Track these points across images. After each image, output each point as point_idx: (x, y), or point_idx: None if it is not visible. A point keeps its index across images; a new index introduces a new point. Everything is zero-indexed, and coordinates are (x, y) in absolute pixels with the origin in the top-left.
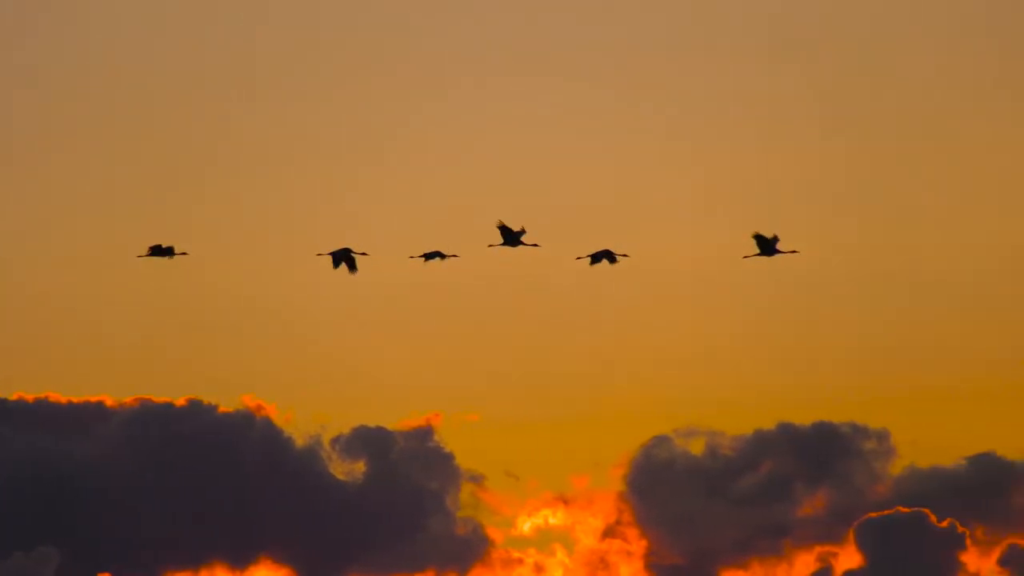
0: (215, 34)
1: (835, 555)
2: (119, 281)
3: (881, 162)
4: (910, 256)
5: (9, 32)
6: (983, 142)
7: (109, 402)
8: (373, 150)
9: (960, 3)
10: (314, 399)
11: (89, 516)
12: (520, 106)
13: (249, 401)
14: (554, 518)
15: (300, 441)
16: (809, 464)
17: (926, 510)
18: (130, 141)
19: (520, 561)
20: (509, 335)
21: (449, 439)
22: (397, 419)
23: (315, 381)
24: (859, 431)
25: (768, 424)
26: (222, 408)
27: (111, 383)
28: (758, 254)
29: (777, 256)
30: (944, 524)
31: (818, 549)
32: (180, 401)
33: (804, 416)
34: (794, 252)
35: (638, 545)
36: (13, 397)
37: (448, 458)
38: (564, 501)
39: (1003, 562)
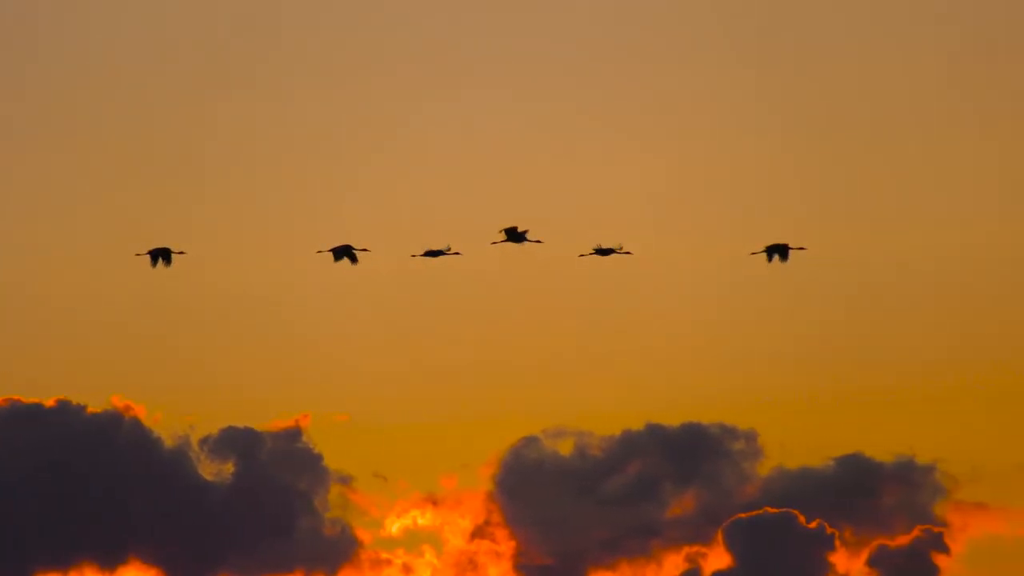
0: (215, 31)
1: (704, 556)
2: None
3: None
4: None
5: (9, 31)
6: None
7: None
8: (365, 148)
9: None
10: (183, 400)
11: None
12: (522, 105)
13: (118, 402)
14: (423, 519)
15: (169, 442)
16: (677, 465)
17: (794, 511)
18: (128, 139)
19: (389, 562)
20: (377, 336)
21: (318, 440)
22: (266, 420)
23: (184, 382)
24: (727, 432)
25: (636, 425)
26: (91, 408)
27: None
28: (766, 250)
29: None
30: (812, 525)
31: (687, 550)
32: (49, 401)
33: (672, 417)
34: (802, 249)
35: (507, 546)
36: None
37: (317, 459)
38: (433, 502)
39: (871, 563)
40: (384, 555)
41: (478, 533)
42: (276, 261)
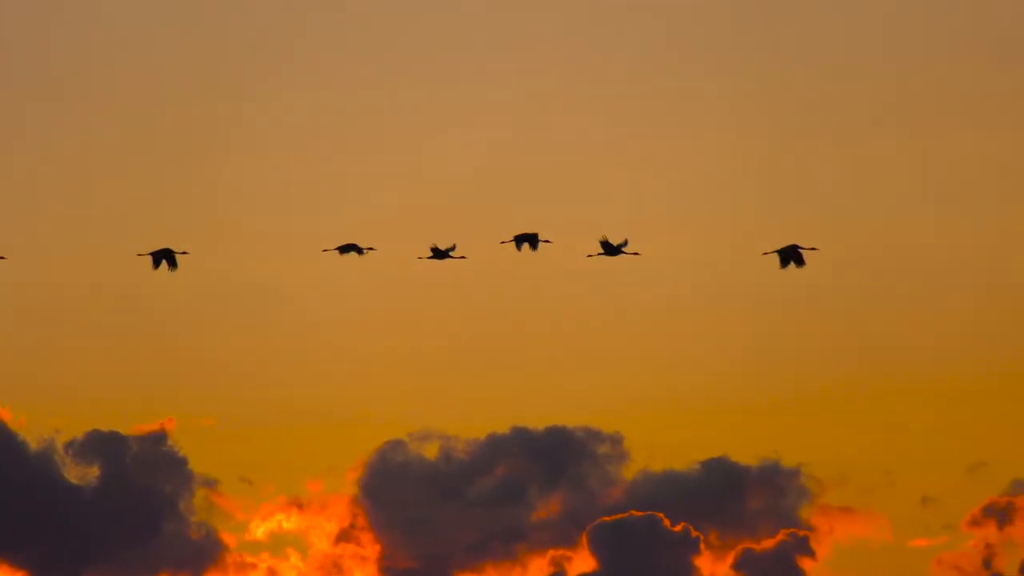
0: (220, 28)
1: (569, 559)
2: None
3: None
4: (647, 262)
5: (9, 30)
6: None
7: None
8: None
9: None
10: (48, 403)
11: None
12: (529, 103)
13: None
14: (288, 522)
15: (34, 444)
16: (543, 468)
17: (660, 514)
18: (129, 137)
19: (254, 566)
20: (243, 340)
21: (183, 444)
22: (131, 424)
23: (49, 385)
24: (593, 435)
25: (502, 428)
26: None
27: None
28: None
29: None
30: (678, 528)
31: (552, 553)
32: None
33: (538, 420)
34: (814, 249)
35: (372, 549)
36: None
37: (182, 463)
38: (298, 506)
39: (737, 566)
40: (249, 558)
41: (343, 537)
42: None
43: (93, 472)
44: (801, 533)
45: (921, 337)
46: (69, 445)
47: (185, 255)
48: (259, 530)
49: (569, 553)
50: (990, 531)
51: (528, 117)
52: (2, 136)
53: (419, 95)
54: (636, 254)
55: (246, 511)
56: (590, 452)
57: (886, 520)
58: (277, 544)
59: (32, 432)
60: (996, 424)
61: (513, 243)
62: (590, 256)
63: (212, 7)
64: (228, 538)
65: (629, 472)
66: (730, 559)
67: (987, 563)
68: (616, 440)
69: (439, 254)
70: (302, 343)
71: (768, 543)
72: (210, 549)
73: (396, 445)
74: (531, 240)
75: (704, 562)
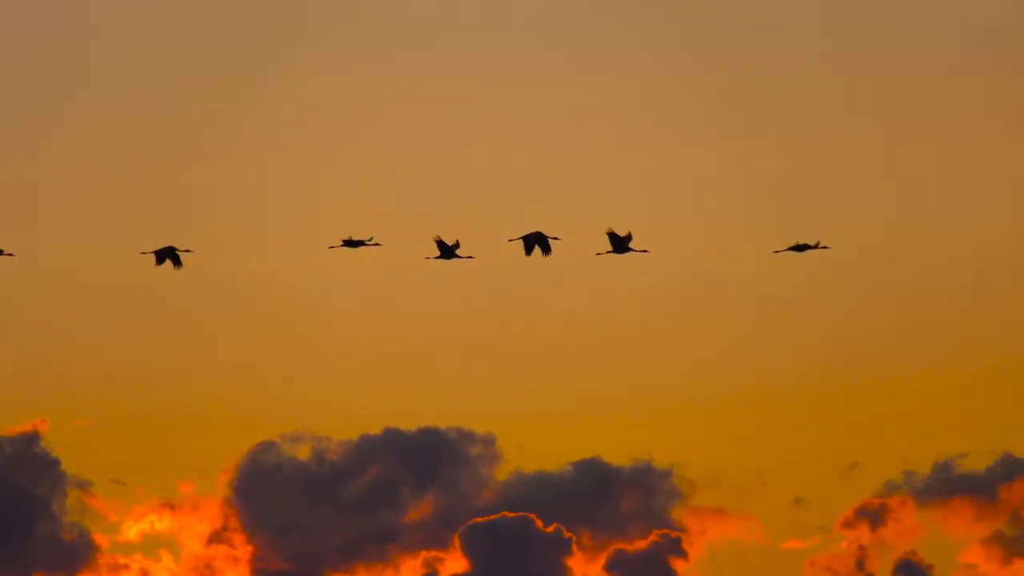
0: (225, 23)
1: (441, 560)
2: None
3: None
4: (508, 263)
5: (15, 27)
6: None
7: None
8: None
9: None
10: None
11: None
12: (537, 100)
13: None
14: (160, 524)
15: None
16: (415, 470)
17: (532, 515)
18: (132, 134)
19: (126, 567)
20: (116, 341)
21: (55, 445)
22: (3, 425)
23: None
24: (465, 436)
25: (375, 429)
26: None
27: None
28: (791, 248)
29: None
30: (550, 529)
31: (424, 554)
32: None
33: (410, 421)
34: (826, 247)
35: (244, 551)
36: None
37: (54, 464)
38: (170, 507)
39: (609, 567)
40: (122, 560)
41: (215, 538)
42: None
43: None
44: (673, 534)
45: (793, 339)
46: None
47: (189, 252)
48: (132, 531)
49: (441, 554)
50: (863, 532)
51: (534, 114)
52: (7, 133)
53: (425, 93)
54: (644, 251)
55: (119, 512)
56: (462, 453)
57: (759, 521)
58: (150, 545)
59: None
60: (869, 426)
61: (521, 243)
62: (599, 254)
63: (219, 2)
64: (101, 539)
65: (501, 473)
66: (602, 560)
67: (860, 564)
68: (488, 441)
69: (445, 251)
70: (174, 345)
71: (640, 544)
72: (83, 550)
73: (268, 447)
74: (542, 244)
75: (576, 563)
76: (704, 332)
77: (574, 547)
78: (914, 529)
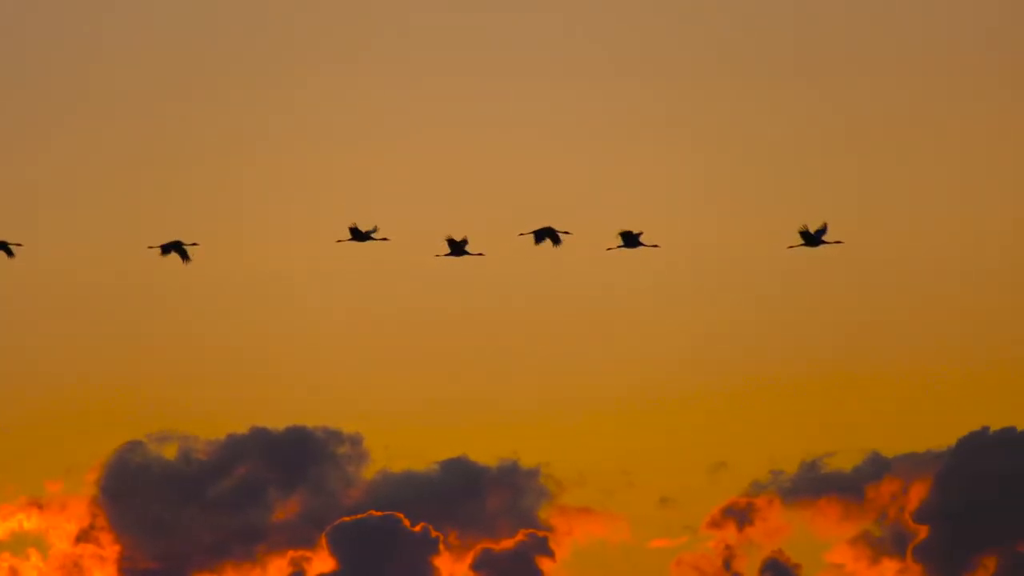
0: (230, 18)
1: (308, 559)
2: None
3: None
4: (371, 266)
5: (22, 24)
6: None
7: None
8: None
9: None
10: None
11: None
12: (545, 97)
13: None
14: (28, 523)
15: None
16: (282, 469)
17: (399, 514)
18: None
19: None
20: None
21: None
22: None
23: None
24: (332, 436)
25: (241, 428)
26: None
27: None
28: (803, 244)
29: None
30: (417, 528)
31: (291, 554)
32: None
33: (277, 420)
34: (839, 242)
35: (112, 550)
36: None
37: None
38: (38, 506)
39: (476, 566)
40: None
41: (83, 537)
42: None
43: None
44: (540, 533)
45: (659, 339)
46: None
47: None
48: None
49: (308, 553)
50: (730, 532)
51: (541, 113)
52: (15, 131)
53: (432, 90)
54: (655, 246)
55: None
56: (329, 453)
57: (625, 521)
58: (18, 544)
59: None
60: (735, 425)
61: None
62: (609, 249)
63: (228, 1)
64: None
65: (368, 472)
66: (469, 559)
67: (727, 564)
68: (355, 440)
69: (456, 248)
70: (39, 344)
71: (507, 543)
72: None
73: (135, 446)
74: (552, 235)
75: (443, 562)
76: (570, 334)
77: (441, 546)
78: (781, 528)
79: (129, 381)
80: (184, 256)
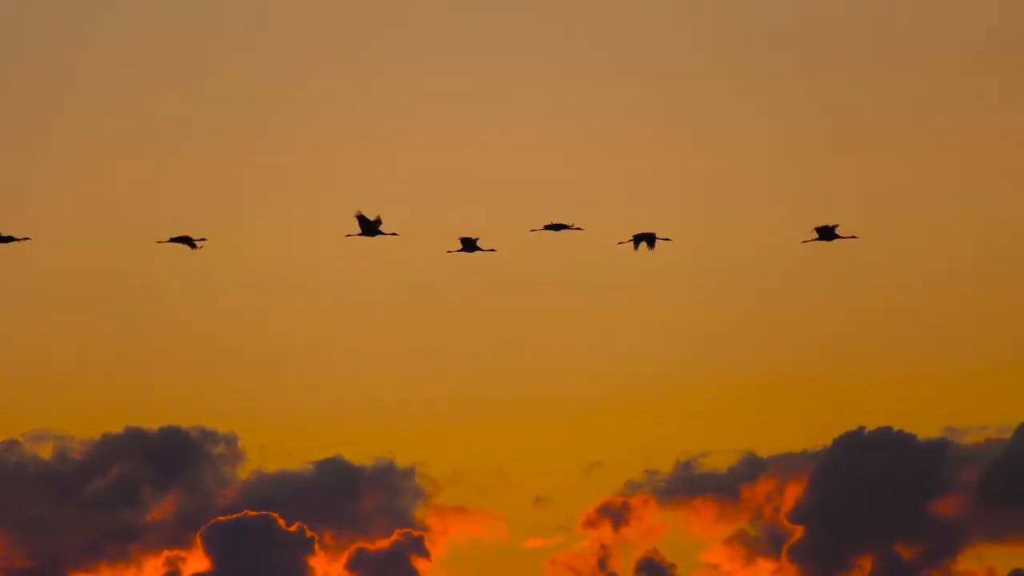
0: (242, 15)
1: (184, 559)
2: None
3: None
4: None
5: (33, 16)
6: None
7: None
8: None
9: None
10: None
11: None
12: (553, 93)
13: None
14: None
15: None
16: (158, 468)
17: (274, 514)
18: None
19: None
20: None
21: None
22: None
23: None
24: (207, 435)
25: (116, 428)
26: None
27: None
28: (817, 239)
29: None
30: (293, 528)
31: (167, 553)
32: None
33: (152, 420)
34: (853, 237)
35: None
36: None
37: None
38: None
39: (351, 566)
40: None
41: None
42: None
43: None
44: (415, 533)
45: (533, 340)
46: None
47: (204, 242)
48: None
49: (183, 553)
50: (605, 531)
51: (547, 112)
52: (17, 128)
53: (436, 89)
54: (667, 239)
55: None
56: (205, 452)
57: (501, 520)
58: None
59: None
60: (611, 424)
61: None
62: (621, 243)
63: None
64: None
65: (243, 472)
66: (344, 559)
67: (602, 563)
68: (230, 440)
69: (469, 246)
70: None
71: (383, 543)
72: None
73: (10, 445)
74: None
75: (319, 562)
76: (446, 333)
77: (316, 546)
78: (656, 528)
79: (5, 380)
80: (192, 246)
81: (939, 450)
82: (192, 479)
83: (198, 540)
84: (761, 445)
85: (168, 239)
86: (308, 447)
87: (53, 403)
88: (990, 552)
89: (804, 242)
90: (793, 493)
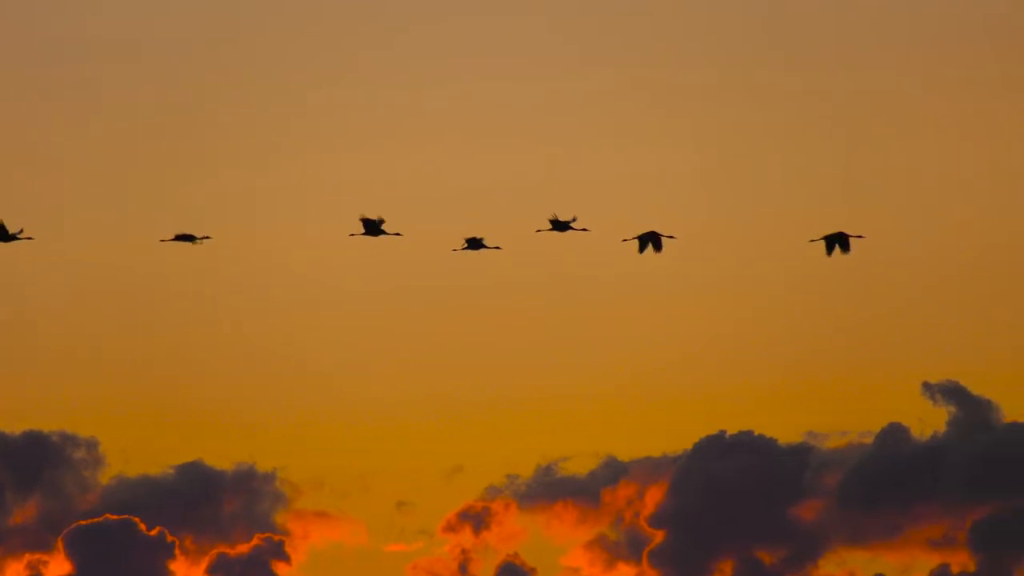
0: (249, 17)
1: (45, 563)
2: None
3: None
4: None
5: (38, 16)
6: None
7: None
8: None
9: None
10: None
11: None
12: (559, 91)
13: None
14: None
15: None
16: (18, 472)
17: (135, 518)
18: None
19: None
20: None
21: None
22: None
23: None
24: (68, 440)
25: None
26: None
27: None
28: (825, 238)
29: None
30: (153, 532)
31: (28, 557)
32: None
33: (13, 424)
34: (860, 237)
35: None
36: None
37: None
38: None
39: (212, 571)
40: None
41: None
42: None
43: None
44: (276, 538)
45: (392, 344)
46: None
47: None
48: None
49: (45, 557)
50: (466, 536)
51: (551, 110)
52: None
53: (439, 89)
54: (672, 237)
55: None
56: (65, 457)
57: (362, 525)
58: None
59: None
60: (471, 429)
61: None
62: (625, 240)
63: (251, 7)
64: None
65: (104, 477)
66: (205, 564)
67: (463, 568)
68: (91, 445)
69: (475, 244)
70: None
71: (243, 548)
72: None
73: None
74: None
75: (179, 566)
76: (307, 338)
77: (177, 550)
78: (517, 533)
79: None
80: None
81: (800, 455)
82: (53, 483)
83: (59, 544)
84: (622, 449)
85: (172, 237)
86: (169, 452)
87: None
88: (851, 557)
89: (811, 241)
90: (654, 497)
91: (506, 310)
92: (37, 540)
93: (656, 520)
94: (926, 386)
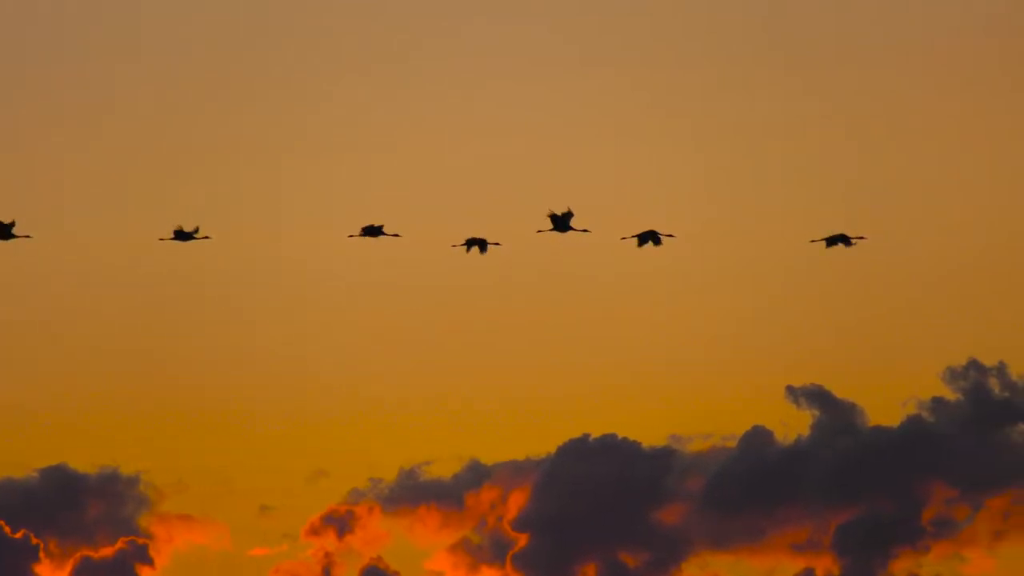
0: (251, 17)
1: None
2: None
3: None
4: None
5: (41, 18)
6: None
7: None
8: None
9: None
10: None
11: None
12: (562, 89)
13: None
14: None
15: None
16: None
17: (0, 521)
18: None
19: None
20: None
21: None
22: None
23: None
24: None
25: None
26: None
27: None
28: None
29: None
30: (18, 535)
31: None
32: None
33: None
34: (862, 239)
35: None
36: None
37: None
38: None
39: (76, 573)
40: None
41: None
42: None
43: None
44: (140, 541)
45: (263, 350)
46: None
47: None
48: None
49: None
50: (329, 540)
51: (553, 109)
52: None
53: (441, 89)
54: (671, 236)
55: None
56: None
57: (225, 528)
58: None
59: None
60: (334, 432)
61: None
62: (624, 239)
63: (261, 11)
64: None
65: None
66: (69, 567)
67: (326, 572)
68: None
69: (477, 243)
70: None
71: (107, 551)
72: None
73: None
74: (562, 223)
75: (44, 570)
76: (174, 341)
77: (42, 554)
78: (380, 536)
79: None
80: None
81: (664, 458)
82: None
83: None
84: (485, 452)
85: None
86: (32, 454)
87: None
88: (714, 560)
89: (813, 241)
90: (517, 501)
91: (372, 316)
92: None
93: (519, 523)
94: (790, 390)
